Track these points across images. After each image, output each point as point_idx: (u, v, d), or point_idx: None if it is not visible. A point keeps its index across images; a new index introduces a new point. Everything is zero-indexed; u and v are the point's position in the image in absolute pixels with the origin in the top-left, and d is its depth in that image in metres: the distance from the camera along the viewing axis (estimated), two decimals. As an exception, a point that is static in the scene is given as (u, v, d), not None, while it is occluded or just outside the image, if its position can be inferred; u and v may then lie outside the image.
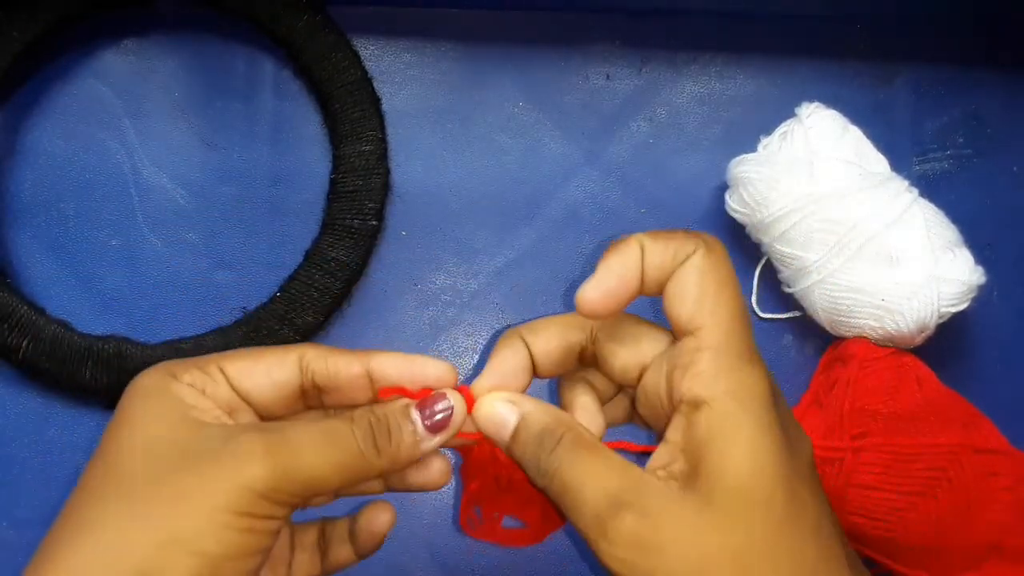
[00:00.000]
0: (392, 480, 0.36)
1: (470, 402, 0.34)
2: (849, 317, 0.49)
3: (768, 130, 0.51)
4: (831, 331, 0.51)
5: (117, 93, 0.54)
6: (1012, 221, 0.55)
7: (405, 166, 0.54)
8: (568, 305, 0.33)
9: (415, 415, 0.33)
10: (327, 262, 0.51)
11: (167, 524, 0.28)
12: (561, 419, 0.32)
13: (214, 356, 0.33)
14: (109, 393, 0.49)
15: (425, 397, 0.33)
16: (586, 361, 0.35)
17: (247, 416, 0.33)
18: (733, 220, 0.52)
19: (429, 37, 0.56)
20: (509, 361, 0.34)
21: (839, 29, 0.57)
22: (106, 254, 0.53)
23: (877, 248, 0.47)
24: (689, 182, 0.55)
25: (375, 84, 0.54)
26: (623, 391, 0.36)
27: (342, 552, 0.37)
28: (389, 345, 0.53)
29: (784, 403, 0.31)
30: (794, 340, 0.53)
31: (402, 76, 0.55)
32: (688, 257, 0.31)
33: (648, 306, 0.37)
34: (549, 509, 0.34)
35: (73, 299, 0.52)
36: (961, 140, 0.56)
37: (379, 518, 0.36)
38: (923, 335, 0.48)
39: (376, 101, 0.53)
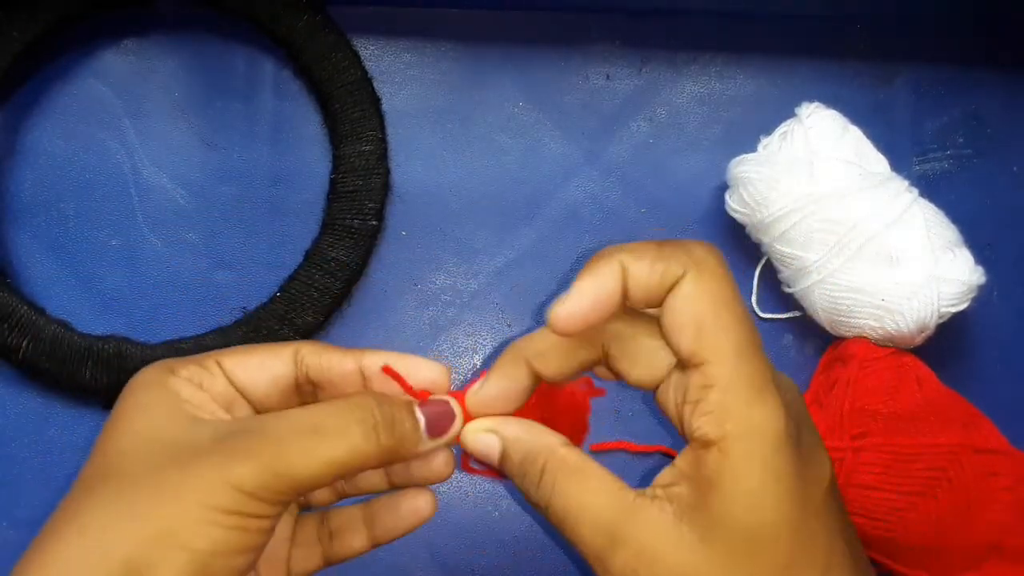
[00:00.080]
0: (395, 475, 0.36)
1: (463, 406, 0.33)
2: (849, 317, 0.49)
3: (768, 130, 0.51)
4: (831, 331, 0.51)
5: (117, 93, 0.54)
6: (1012, 221, 0.55)
7: (405, 166, 0.54)
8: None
9: (419, 413, 0.32)
10: (327, 262, 0.51)
11: (156, 518, 0.27)
12: (541, 443, 0.31)
13: (212, 352, 0.33)
14: (109, 393, 0.49)
15: (424, 398, 0.33)
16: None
17: (244, 410, 0.33)
18: (733, 220, 0.52)
19: (429, 37, 0.56)
20: (505, 383, 0.33)
21: (839, 29, 0.57)
22: (106, 254, 0.53)
23: (877, 248, 0.47)
24: (689, 182, 0.55)
25: (375, 84, 0.54)
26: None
27: (355, 540, 0.36)
28: (389, 345, 0.53)
29: (805, 424, 0.30)
30: (794, 340, 0.53)
31: (402, 76, 0.55)
32: (677, 281, 0.29)
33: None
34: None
35: (73, 299, 0.52)
36: (961, 140, 0.56)
37: (418, 501, 0.35)
38: (923, 335, 0.48)
39: (376, 101, 0.53)
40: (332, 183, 0.52)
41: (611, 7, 0.56)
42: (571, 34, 0.56)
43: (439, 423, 0.32)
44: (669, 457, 0.51)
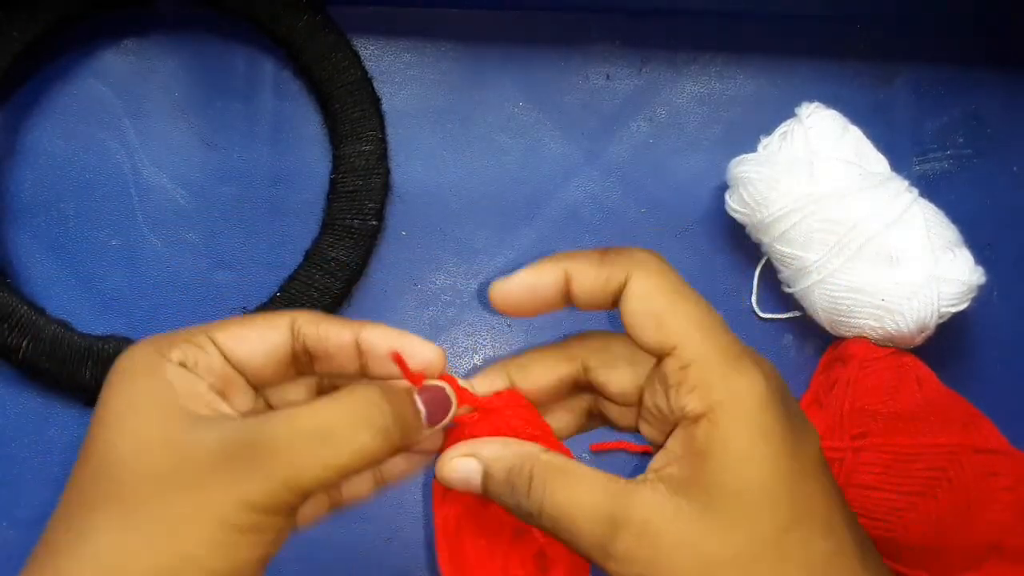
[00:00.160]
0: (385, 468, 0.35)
1: (456, 390, 0.33)
2: (849, 317, 0.49)
3: (768, 130, 0.51)
4: (831, 331, 0.51)
5: (117, 93, 0.54)
6: (1012, 221, 0.55)
7: (405, 166, 0.54)
8: (570, 309, 0.33)
9: (419, 402, 0.32)
10: (327, 262, 0.51)
11: (176, 544, 0.27)
12: (523, 452, 0.31)
13: (204, 326, 0.31)
14: (109, 393, 0.49)
15: (420, 382, 0.33)
16: (581, 388, 0.35)
17: (240, 390, 0.32)
18: (733, 220, 0.52)
19: (429, 37, 0.56)
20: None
21: (839, 29, 0.57)
22: (106, 254, 0.53)
23: (877, 248, 0.47)
24: (689, 182, 0.55)
25: (375, 84, 0.54)
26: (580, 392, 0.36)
27: (362, 486, 0.35)
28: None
29: (788, 397, 0.31)
30: (794, 340, 0.53)
31: (402, 76, 0.55)
32: (623, 285, 0.31)
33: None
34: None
35: (73, 299, 0.52)
36: (961, 140, 0.56)
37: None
38: (923, 335, 0.48)
39: (376, 101, 0.53)
40: (332, 183, 0.52)
41: (611, 7, 0.56)
42: (571, 34, 0.56)
43: (437, 411, 0.32)
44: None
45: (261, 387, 0.33)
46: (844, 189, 0.48)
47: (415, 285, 0.54)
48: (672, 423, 0.30)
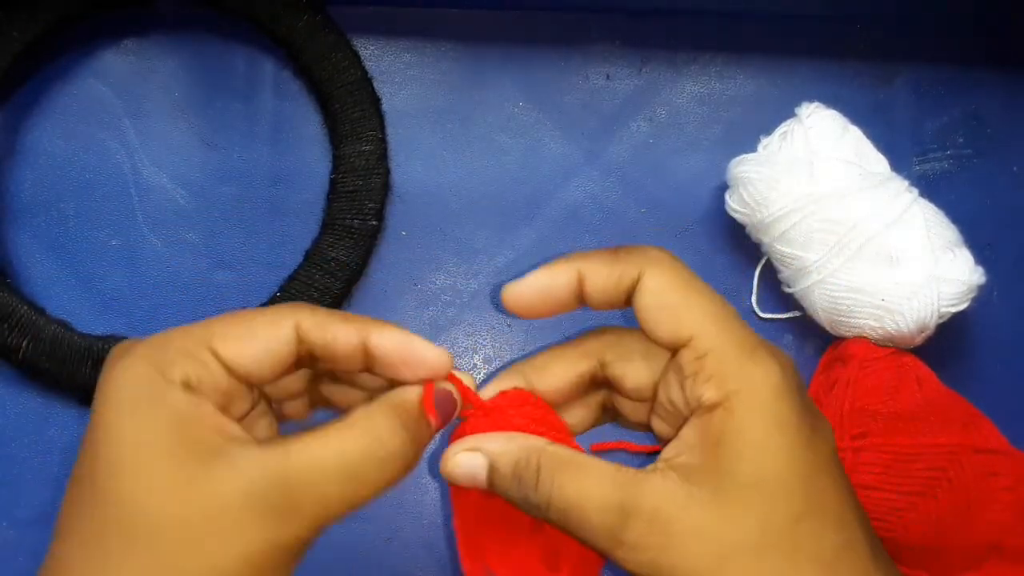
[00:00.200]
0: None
1: (458, 386, 0.33)
2: (849, 317, 0.49)
3: (768, 130, 0.51)
4: (831, 331, 0.51)
5: (117, 93, 0.54)
6: (1012, 221, 0.55)
7: (405, 166, 0.54)
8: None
9: (431, 419, 0.32)
10: (327, 262, 0.51)
11: None
12: (529, 445, 0.31)
13: (202, 332, 0.30)
14: (109, 393, 0.49)
15: (431, 393, 0.32)
16: (597, 383, 0.35)
17: (241, 396, 0.31)
18: (733, 220, 0.52)
19: (429, 37, 0.56)
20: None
21: (839, 29, 0.57)
22: (106, 254, 0.53)
23: (877, 248, 0.47)
24: (689, 182, 0.55)
25: (375, 84, 0.54)
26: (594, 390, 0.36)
27: (352, 394, 0.35)
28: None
29: (803, 389, 0.31)
30: (794, 340, 0.53)
31: (402, 76, 0.55)
32: (636, 282, 0.31)
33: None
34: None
35: (73, 299, 0.52)
36: (961, 140, 0.56)
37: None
38: (923, 335, 0.48)
39: (376, 101, 0.53)
40: (332, 183, 0.52)
41: (611, 7, 0.56)
42: (571, 34, 0.56)
43: (444, 414, 0.33)
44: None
45: (259, 385, 0.32)
46: (844, 189, 0.48)
47: (415, 285, 0.54)
48: (685, 417, 0.31)
